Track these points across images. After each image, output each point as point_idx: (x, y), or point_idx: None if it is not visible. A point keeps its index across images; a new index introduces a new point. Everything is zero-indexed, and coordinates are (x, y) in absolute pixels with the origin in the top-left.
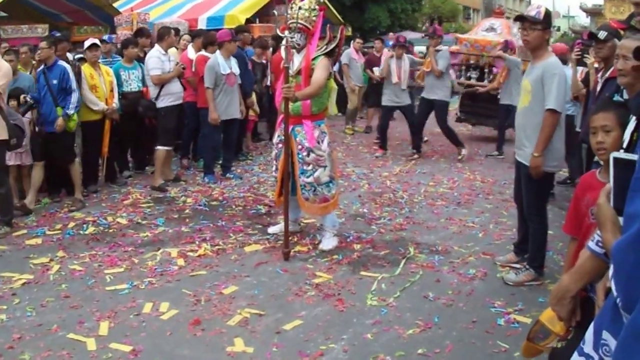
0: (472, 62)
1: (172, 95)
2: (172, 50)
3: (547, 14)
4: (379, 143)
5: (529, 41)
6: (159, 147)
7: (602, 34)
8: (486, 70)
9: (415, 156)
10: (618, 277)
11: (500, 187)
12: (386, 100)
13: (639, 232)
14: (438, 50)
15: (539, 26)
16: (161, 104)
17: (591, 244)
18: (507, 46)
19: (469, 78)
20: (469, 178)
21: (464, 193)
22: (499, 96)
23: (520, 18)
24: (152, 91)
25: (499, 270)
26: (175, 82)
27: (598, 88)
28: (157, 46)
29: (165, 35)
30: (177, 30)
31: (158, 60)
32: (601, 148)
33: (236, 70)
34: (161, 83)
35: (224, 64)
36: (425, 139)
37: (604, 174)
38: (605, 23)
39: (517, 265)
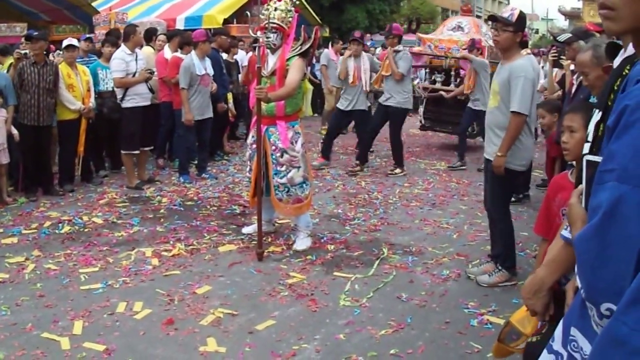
0: (436, 64)
1: (138, 96)
2: (149, 50)
3: (521, 17)
4: (322, 152)
5: (498, 41)
6: (123, 152)
7: (562, 37)
8: (452, 73)
9: (358, 169)
10: (581, 268)
11: (475, 189)
12: (342, 103)
13: (601, 222)
14: (397, 52)
15: (511, 28)
16: (126, 104)
17: (564, 232)
18: (474, 45)
19: (434, 82)
20: (444, 179)
21: (439, 194)
22: (470, 103)
23: (493, 18)
24: (118, 92)
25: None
26: (142, 82)
27: (573, 90)
28: (122, 46)
29: (131, 35)
30: (154, 30)
31: (122, 62)
32: (565, 148)
33: (210, 71)
34: (123, 86)
35: (199, 64)
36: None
37: (575, 175)
38: (579, 27)
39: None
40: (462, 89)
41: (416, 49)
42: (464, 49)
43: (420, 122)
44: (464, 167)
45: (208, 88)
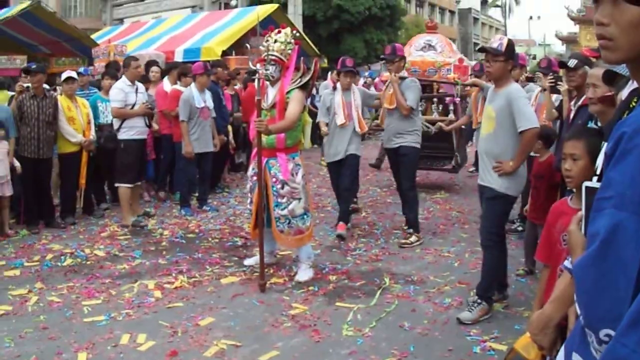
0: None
1: (134, 129)
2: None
3: (510, 45)
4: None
5: (491, 72)
6: (119, 185)
7: (572, 62)
8: (435, 100)
9: (343, 232)
10: (580, 295)
11: (475, 217)
12: (331, 154)
13: (599, 250)
14: (403, 79)
15: (501, 57)
16: (123, 136)
17: (566, 262)
18: (483, 69)
19: None
20: (444, 208)
21: (440, 223)
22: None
23: (483, 50)
24: (115, 122)
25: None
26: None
27: (571, 116)
28: (123, 77)
29: (125, 67)
30: (155, 62)
31: (121, 92)
32: (568, 176)
33: (210, 104)
34: (121, 117)
35: (198, 97)
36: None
37: (575, 201)
38: (577, 52)
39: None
40: (466, 120)
41: (385, 75)
42: (471, 74)
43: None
44: None
45: (208, 121)
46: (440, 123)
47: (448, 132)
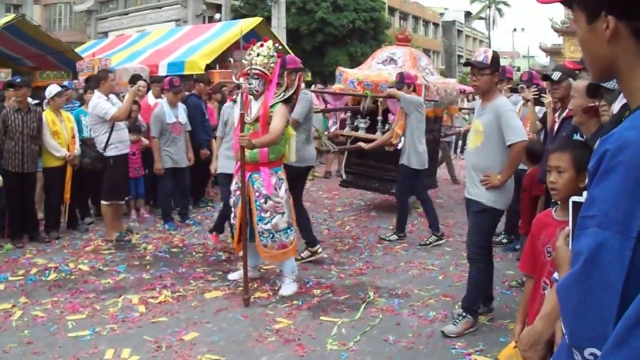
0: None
1: (121, 144)
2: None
3: (495, 57)
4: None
5: (478, 86)
6: (103, 203)
7: (555, 75)
8: (379, 117)
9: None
10: (564, 315)
11: (460, 229)
12: (227, 165)
13: (582, 269)
14: None
15: (487, 70)
16: (111, 152)
17: (556, 274)
18: (403, 80)
19: (356, 128)
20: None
21: (424, 236)
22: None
23: (468, 64)
24: (101, 138)
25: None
26: (124, 129)
27: (555, 128)
28: (96, 92)
29: (102, 80)
30: (139, 77)
31: (106, 102)
32: (554, 188)
33: (183, 119)
34: (126, 114)
35: (169, 112)
36: None
37: (560, 213)
38: (560, 64)
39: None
40: (388, 137)
41: (336, 86)
42: (391, 86)
43: (341, 177)
44: (400, 240)
45: (181, 136)
46: (360, 143)
47: (394, 154)
